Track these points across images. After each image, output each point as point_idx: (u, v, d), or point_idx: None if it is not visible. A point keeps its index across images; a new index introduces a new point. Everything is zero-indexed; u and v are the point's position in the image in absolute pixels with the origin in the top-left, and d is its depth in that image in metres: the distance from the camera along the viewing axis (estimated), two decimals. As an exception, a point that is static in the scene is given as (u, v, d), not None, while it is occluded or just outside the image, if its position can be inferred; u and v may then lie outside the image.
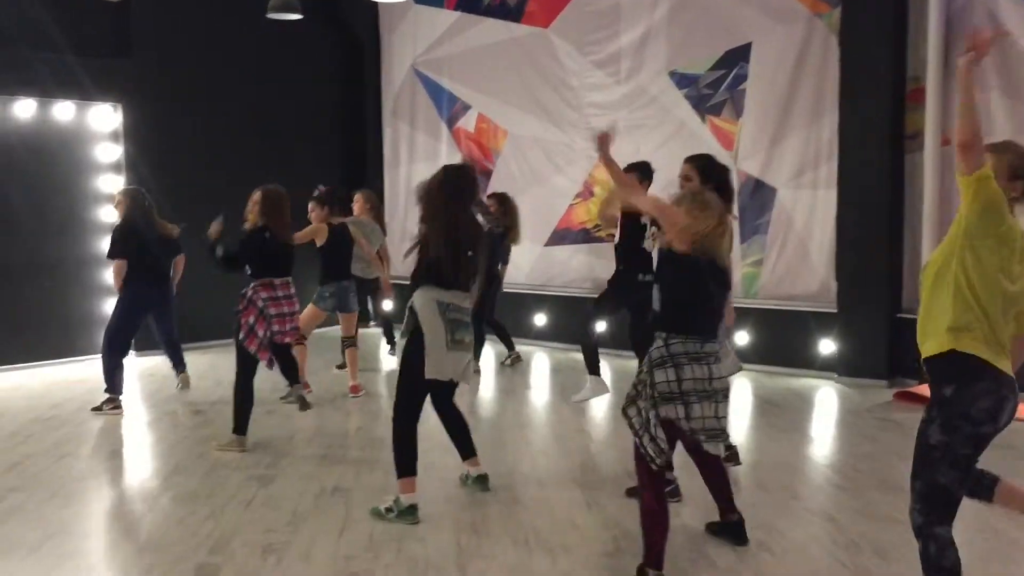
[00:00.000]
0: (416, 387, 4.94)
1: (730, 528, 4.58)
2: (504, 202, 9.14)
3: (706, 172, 5.21)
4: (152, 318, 8.10)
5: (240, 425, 6.38)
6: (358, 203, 9.44)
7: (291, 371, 6.71)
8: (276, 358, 6.62)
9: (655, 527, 3.94)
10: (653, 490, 3.95)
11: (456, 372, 4.95)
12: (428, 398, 5.13)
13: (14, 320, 9.50)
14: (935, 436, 3.25)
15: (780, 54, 9.04)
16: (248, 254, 6.42)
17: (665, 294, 4.10)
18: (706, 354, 4.03)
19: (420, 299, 4.92)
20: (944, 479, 3.25)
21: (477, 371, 9.13)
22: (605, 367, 7.17)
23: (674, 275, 4.05)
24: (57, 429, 7.05)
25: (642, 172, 6.42)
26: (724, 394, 4.09)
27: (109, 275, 10.12)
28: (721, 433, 4.09)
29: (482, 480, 5.44)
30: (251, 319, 6.33)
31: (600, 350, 6.74)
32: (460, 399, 7.48)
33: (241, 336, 6.33)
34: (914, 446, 3.35)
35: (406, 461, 4.94)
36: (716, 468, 4.60)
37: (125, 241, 7.68)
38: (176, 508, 5.18)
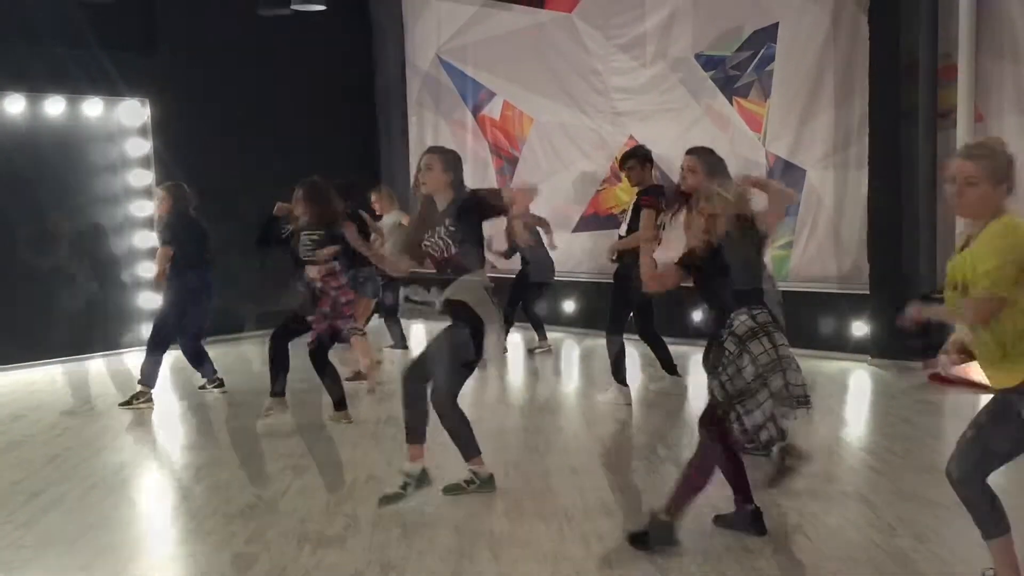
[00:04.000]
0: (468, 371, 4.97)
1: (746, 517, 4.42)
2: None
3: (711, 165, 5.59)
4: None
5: (277, 389, 6.62)
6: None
7: (339, 392, 6.84)
8: (323, 375, 6.79)
9: (693, 488, 4.13)
10: (712, 460, 4.10)
11: (499, 350, 5.08)
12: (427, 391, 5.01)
13: (46, 315, 9.57)
14: None
15: (808, 33, 8.91)
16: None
17: (730, 276, 4.15)
18: (774, 320, 4.16)
19: (469, 287, 4.89)
20: None
21: (505, 350, 9.15)
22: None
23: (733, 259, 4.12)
24: (95, 422, 7.14)
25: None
26: (796, 362, 4.16)
27: (140, 270, 10.27)
28: (807, 399, 4.13)
29: (489, 482, 5.16)
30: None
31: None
32: (485, 386, 7.54)
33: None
34: None
35: (471, 437, 5.00)
36: (734, 455, 4.41)
37: (173, 230, 7.64)
38: (211, 498, 5.23)
